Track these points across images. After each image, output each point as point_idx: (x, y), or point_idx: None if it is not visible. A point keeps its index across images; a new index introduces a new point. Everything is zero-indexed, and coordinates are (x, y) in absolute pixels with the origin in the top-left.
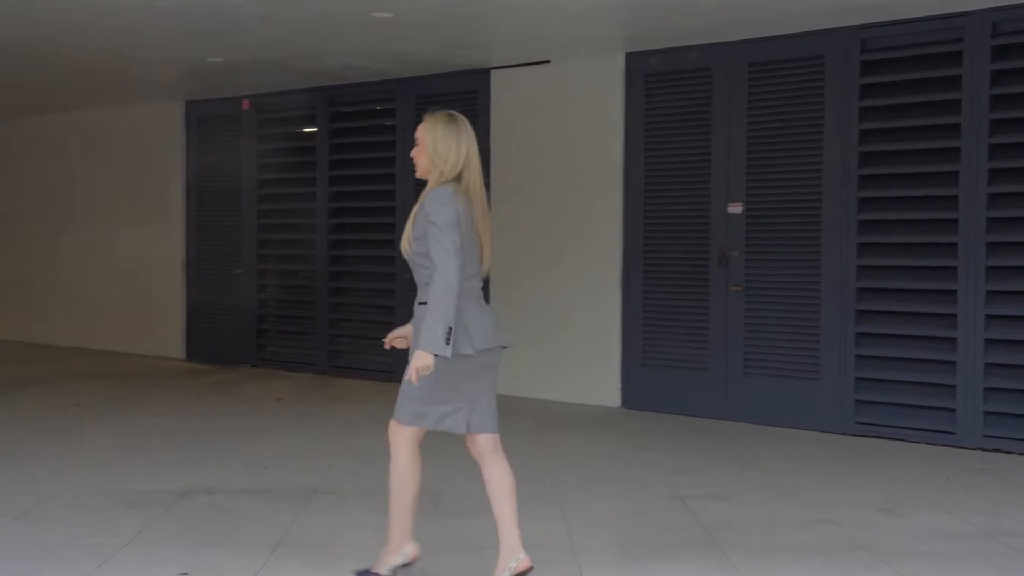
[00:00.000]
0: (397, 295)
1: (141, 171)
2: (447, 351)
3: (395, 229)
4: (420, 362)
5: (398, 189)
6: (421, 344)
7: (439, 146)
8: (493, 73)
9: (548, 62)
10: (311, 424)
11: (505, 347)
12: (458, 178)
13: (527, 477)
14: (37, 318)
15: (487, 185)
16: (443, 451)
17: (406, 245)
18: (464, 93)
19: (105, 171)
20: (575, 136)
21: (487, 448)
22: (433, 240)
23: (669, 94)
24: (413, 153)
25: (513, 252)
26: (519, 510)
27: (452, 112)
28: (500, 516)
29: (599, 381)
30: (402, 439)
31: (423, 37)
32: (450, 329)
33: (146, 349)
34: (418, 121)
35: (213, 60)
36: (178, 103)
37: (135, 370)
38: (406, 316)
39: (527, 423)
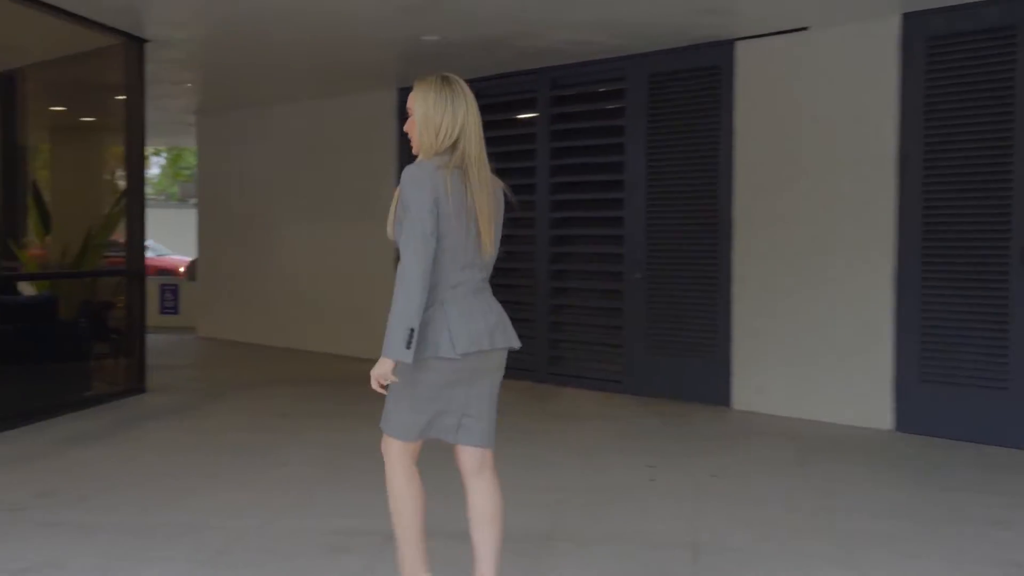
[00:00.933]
0: (625, 296)
1: (355, 165)
2: (409, 356)
3: (623, 224)
4: (378, 369)
5: (627, 180)
6: (383, 350)
7: (431, 113)
8: (739, 45)
9: (805, 29)
10: (533, 446)
11: (514, 348)
12: (452, 149)
13: (807, 526)
14: (254, 318)
15: (729, 175)
16: (695, 487)
17: (390, 230)
18: (704, 69)
19: (319, 165)
20: (838, 115)
21: (472, 466)
22: (405, 224)
23: (958, 61)
24: (406, 127)
25: (763, 249)
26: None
27: (447, 75)
28: (476, 545)
29: (866, 398)
30: (393, 454)
31: (661, 1)
32: (412, 331)
33: (358, 351)
34: (652, 102)
35: (428, 39)
36: (391, 91)
37: (346, 376)
38: (634, 318)
39: (787, 451)
